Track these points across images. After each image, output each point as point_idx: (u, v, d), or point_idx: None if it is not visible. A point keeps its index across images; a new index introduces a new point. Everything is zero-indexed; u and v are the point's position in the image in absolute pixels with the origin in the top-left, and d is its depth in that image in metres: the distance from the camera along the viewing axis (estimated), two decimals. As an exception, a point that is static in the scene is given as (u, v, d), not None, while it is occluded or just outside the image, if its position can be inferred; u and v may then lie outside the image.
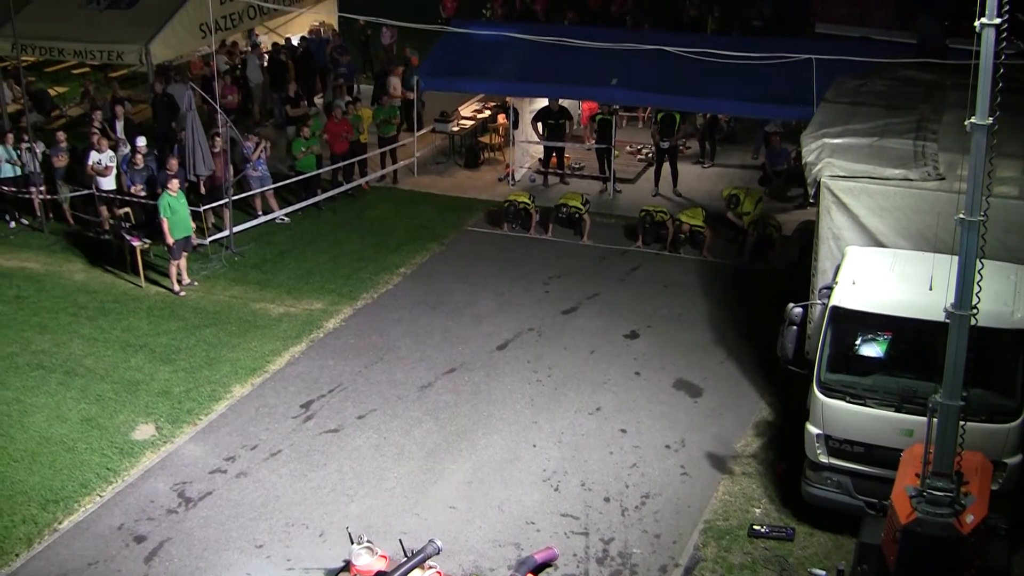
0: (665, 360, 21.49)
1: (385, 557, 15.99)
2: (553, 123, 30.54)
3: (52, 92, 37.34)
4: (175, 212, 24.50)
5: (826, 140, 18.88)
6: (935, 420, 13.32)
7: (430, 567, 15.64)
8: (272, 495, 17.95)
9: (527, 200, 27.67)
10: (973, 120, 12.29)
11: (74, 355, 22.26)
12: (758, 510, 17.33)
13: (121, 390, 20.98)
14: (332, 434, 19.54)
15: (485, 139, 33.89)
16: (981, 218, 12.49)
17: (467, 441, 19.15)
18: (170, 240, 24.57)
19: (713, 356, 21.64)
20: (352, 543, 16.15)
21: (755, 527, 16.82)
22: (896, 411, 15.76)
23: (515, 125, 31.51)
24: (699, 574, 16.07)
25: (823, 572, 15.72)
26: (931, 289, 15.33)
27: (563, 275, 25.36)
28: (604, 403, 20.12)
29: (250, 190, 28.26)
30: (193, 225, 25.45)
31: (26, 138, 28.04)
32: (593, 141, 31.31)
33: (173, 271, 24.92)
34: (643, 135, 33.34)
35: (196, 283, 25.34)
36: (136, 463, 18.90)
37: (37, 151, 28.04)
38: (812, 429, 16.54)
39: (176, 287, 24.93)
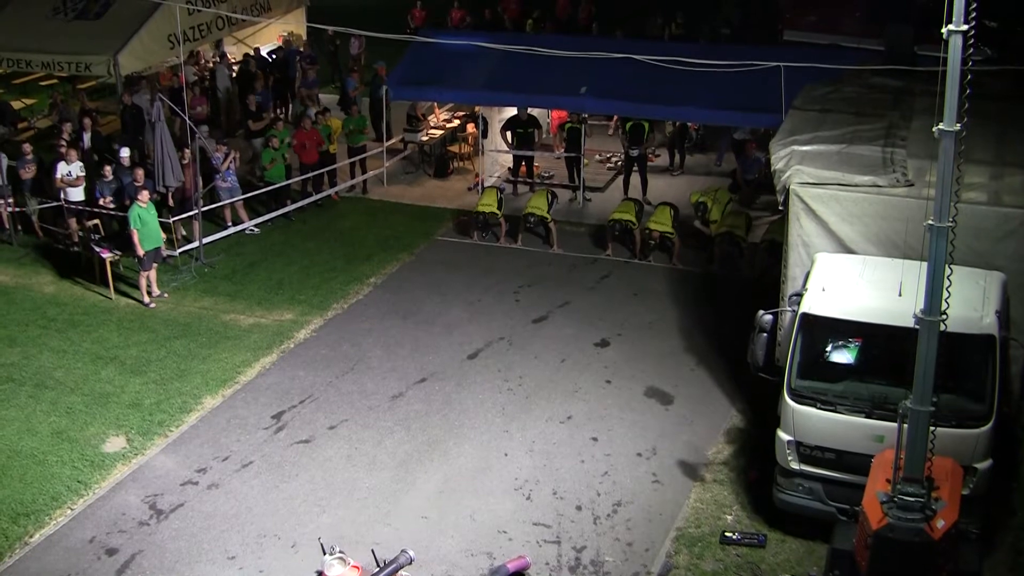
0: (636, 368, 21.53)
1: (357, 568, 15.94)
2: (522, 132, 30.59)
3: (20, 104, 37.18)
4: (145, 224, 24.42)
5: (795, 147, 19.00)
6: (905, 425, 13.39)
7: (402, 576, 15.69)
8: (244, 506, 17.91)
9: (496, 209, 27.66)
10: (941, 126, 12.38)
11: (44, 368, 22.15)
12: (730, 517, 17.38)
13: (91, 402, 20.88)
14: (303, 444, 19.50)
15: (454, 148, 33.91)
16: (950, 224, 12.57)
17: (439, 451, 19.14)
18: (140, 252, 24.49)
19: (684, 363, 21.70)
20: (324, 554, 16.10)
21: (727, 534, 16.87)
22: (867, 417, 15.82)
23: (484, 134, 31.53)
24: (672, 581, 16.15)
25: (795, 578, 15.83)
26: (900, 295, 15.40)
27: (533, 284, 25.40)
28: (575, 411, 20.15)
29: (220, 201, 28.18)
30: (163, 236, 25.38)
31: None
32: (562, 150, 31.33)
33: (143, 283, 24.83)
34: (613, 144, 33.41)
35: (166, 295, 25.25)
36: (107, 475, 18.81)
37: (2, 164, 27.89)
38: (783, 436, 16.60)
39: (146, 299, 24.85)
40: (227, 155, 28.20)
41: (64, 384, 21.54)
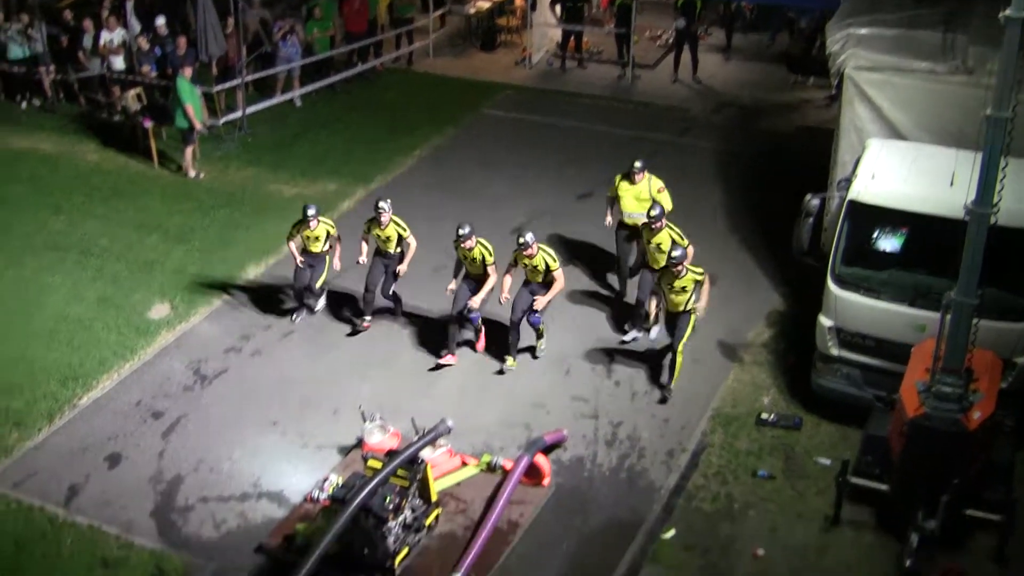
0: (679, 248, 21.46)
1: (397, 435, 16.20)
2: (572, 6, 30.23)
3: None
4: (192, 95, 24.40)
5: (852, 30, 18.65)
6: (948, 317, 13.38)
7: (441, 446, 15.87)
8: (286, 373, 18.17)
9: None
10: (1008, 13, 12.00)
11: (89, 235, 22.37)
12: (767, 399, 17.48)
13: (136, 270, 21.12)
14: (346, 315, 19.69)
15: (502, 21, 33.58)
16: (1009, 115, 12.34)
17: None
18: (198, 124, 24.51)
19: (728, 245, 21.64)
20: (365, 421, 16.36)
21: (763, 416, 16.99)
22: (909, 306, 15.75)
23: (533, 7, 31.21)
24: (706, 459, 16.25)
25: (828, 461, 15.91)
26: (952, 185, 15.16)
27: (579, 160, 25.31)
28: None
29: (269, 70, 28.07)
30: (205, 110, 25.39)
31: (31, 19, 27.86)
32: (612, 25, 30.99)
33: (188, 153, 24.87)
34: (664, 20, 32.95)
35: (202, 175, 25.29)
36: (152, 341, 19.10)
37: (43, 31, 27.83)
38: (824, 321, 16.61)
39: (190, 170, 24.92)
40: (287, 27, 28.01)
41: (109, 252, 21.77)
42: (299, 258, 18.77)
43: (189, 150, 24.81)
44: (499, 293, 17.91)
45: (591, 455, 16.30)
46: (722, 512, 15.27)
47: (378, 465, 14.35)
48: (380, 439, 16.09)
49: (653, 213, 17.90)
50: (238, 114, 27.01)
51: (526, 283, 18.03)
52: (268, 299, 20.19)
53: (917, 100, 17.49)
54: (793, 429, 16.71)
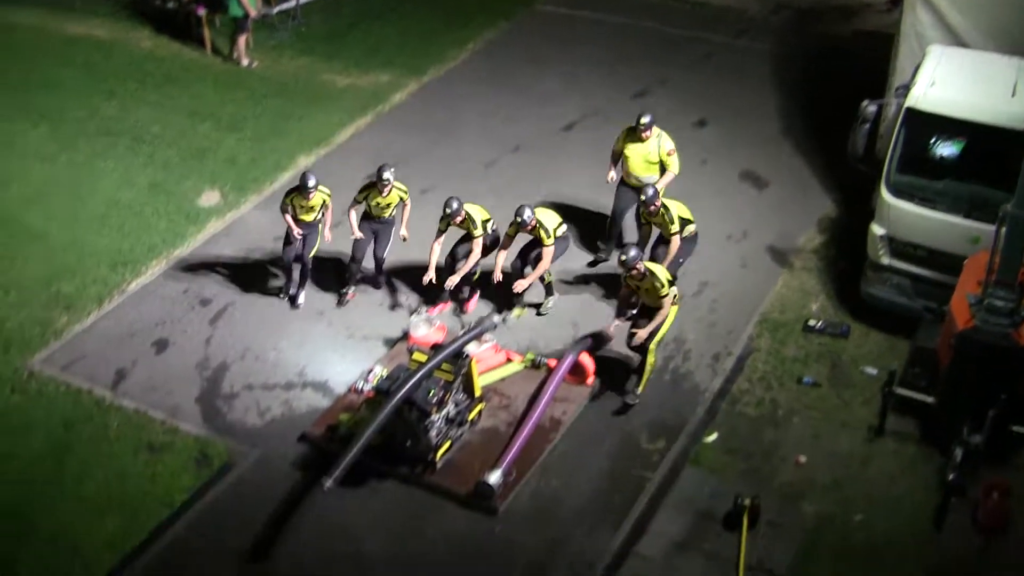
0: (733, 150, 21.26)
1: (443, 329, 16.27)
2: None
3: None
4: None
5: (914, -67, 18.23)
6: (1003, 230, 13.19)
7: (486, 341, 15.91)
8: (333, 262, 18.18)
9: None
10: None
11: (141, 122, 22.36)
12: (815, 306, 17.38)
13: (188, 157, 21.15)
14: (396, 208, 19.69)
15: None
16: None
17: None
18: (253, 12, 24.35)
19: (782, 149, 21.37)
20: (411, 315, 16.43)
21: (811, 322, 16.90)
22: (964, 217, 15.55)
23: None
24: (751, 364, 16.24)
25: (875, 371, 15.85)
26: (1013, 96, 14.89)
27: (633, 58, 25.00)
28: (668, 189, 19.86)
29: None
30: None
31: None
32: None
33: (241, 42, 24.73)
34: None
35: (255, 63, 25.14)
36: (202, 229, 19.19)
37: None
38: (876, 229, 16.43)
39: (243, 59, 24.81)
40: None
41: (161, 138, 21.78)
42: (296, 230, 17.06)
43: (242, 39, 24.68)
44: (494, 272, 16.86)
45: (636, 355, 16.26)
46: (766, 418, 15.27)
47: (423, 358, 14.40)
48: (425, 332, 16.17)
49: (647, 195, 16.47)
50: (292, 3, 26.82)
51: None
52: (318, 189, 20.18)
53: (980, 4, 17.07)
54: (840, 337, 16.63)
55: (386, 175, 16.76)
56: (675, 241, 16.40)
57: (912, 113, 15.96)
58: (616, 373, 15.81)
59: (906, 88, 16.44)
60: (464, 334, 14.84)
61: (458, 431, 14.63)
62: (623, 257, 15.05)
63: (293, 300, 17.37)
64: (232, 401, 15.74)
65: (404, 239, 17.31)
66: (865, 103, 16.84)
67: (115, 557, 13.57)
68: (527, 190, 19.83)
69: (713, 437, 14.95)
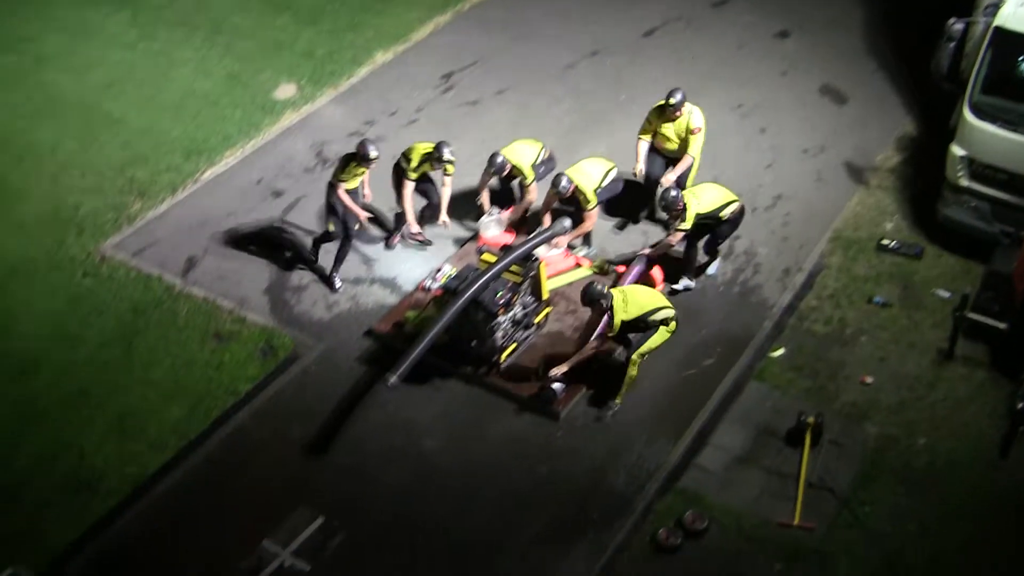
0: (814, 63, 20.86)
1: (513, 231, 16.24)
2: None
3: None
4: None
5: None
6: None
7: (556, 245, 15.87)
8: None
9: None
10: None
11: (219, 13, 22.26)
12: (889, 225, 17.13)
13: (265, 49, 21.10)
14: (470, 106, 19.59)
15: None
16: None
17: (605, 124, 19.04)
18: None
19: (864, 65, 20.92)
20: (482, 215, 16.41)
21: (884, 241, 16.68)
22: (1048, 141, 15.25)
23: None
24: (822, 281, 16.10)
25: (947, 294, 15.66)
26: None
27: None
28: (747, 100, 19.75)
29: None
30: None
31: None
32: None
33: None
34: None
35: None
36: (277, 121, 19.24)
37: None
38: (956, 150, 16.11)
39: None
40: None
41: (239, 30, 21.72)
42: (363, 215, 15.91)
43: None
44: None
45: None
46: (833, 336, 15.16)
47: (492, 259, 14.42)
48: (496, 234, 16.16)
49: (667, 199, 15.22)
50: None
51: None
52: (394, 85, 20.12)
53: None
54: (914, 258, 16.41)
55: (447, 155, 15.95)
56: (673, 237, 15.43)
57: (1000, 32, 15.59)
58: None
59: (995, 7, 16.04)
60: (535, 237, 14.79)
61: (524, 334, 14.65)
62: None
63: (331, 283, 16.05)
64: (300, 294, 15.87)
65: (446, 225, 16.67)
66: (952, 21, 16.45)
67: (180, 441, 13.84)
68: (604, 96, 19.70)
69: (779, 352, 14.87)
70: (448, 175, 16.17)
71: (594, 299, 13.82)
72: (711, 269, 15.99)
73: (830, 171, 18.19)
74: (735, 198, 15.40)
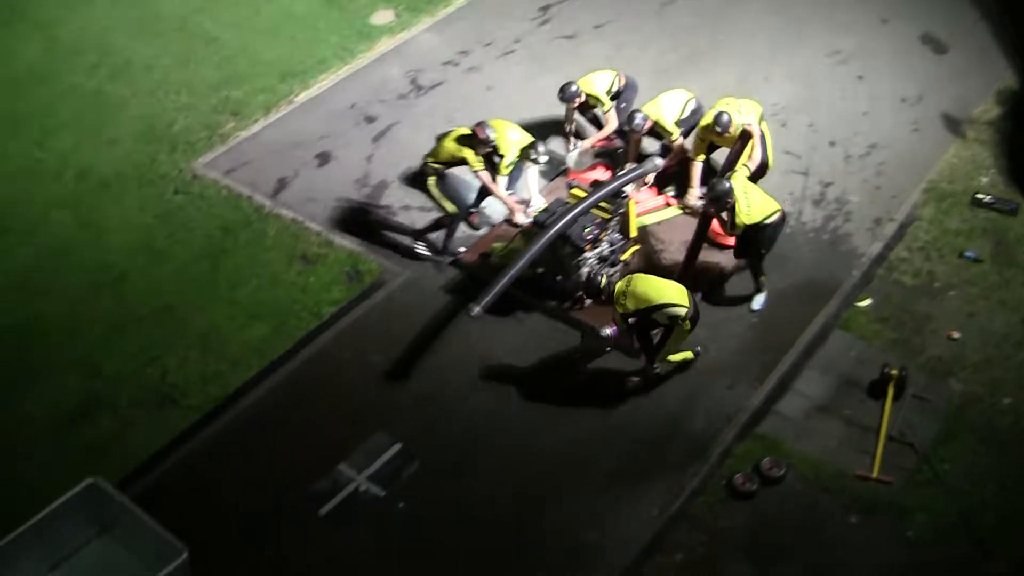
0: (915, 11, 20.40)
1: (603, 167, 16.18)
2: None
3: None
4: None
5: None
6: None
7: (645, 183, 15.79)
8: (501, 92, 18.20)
9: None
10: None
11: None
12: (985, 179, 16.82)
13: (364, -27, 21.07)
14: (567, 40, 19.46)
15: None
16: None
17: (701, 65, 18.83)
18: None
19: (966, 14, 20.40)
20: (571, 149, 16.36)
21: (979, 196, 16.38)
22: None
23: None
24: (913, 232, 15.88)
25: (1041, 252, 15.44)
26: None
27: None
28: (845, 47, 19.41)
29: None
30: None
31: None
32: None
33: None
34: None
35: None
36: (372, 46, 19.25)
37: None
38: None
39: None
40: None
41: (337, -47, 21.71)
42: (512, 202, 15.61)
43: None
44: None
45: (796, 212, 16.03)
46: (922, 288, 14.98)
47: (582, 194, 14.38)
48: (583, 165, 16.18)
49: (717, 190, 13.99)
50: None
51: None
52: (491, 15, 20.06)
53: None
54: (1008, 214, 16.12)
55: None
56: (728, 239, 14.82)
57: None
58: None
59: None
60: (625, 174, 14.72)
61: (610, 271, 14.60)
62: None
63: (448, 251, 15.54)
64: (388, 220, 15.92)
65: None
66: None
67: (262, 361, 14.01)
68: (703, 34, 19.48)
69: (867, 303, 14.73)
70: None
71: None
72: (755, 304, 14.67)
73: (927, 122, 17.89)
74: (778, 207, 14.31)
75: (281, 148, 17.10)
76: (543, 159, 15.32)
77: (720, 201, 13.84)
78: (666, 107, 15.91)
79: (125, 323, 14.52)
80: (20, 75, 18.59)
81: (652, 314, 13.01)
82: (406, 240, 15.52)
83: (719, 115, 15.20)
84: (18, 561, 11.19)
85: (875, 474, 12.63)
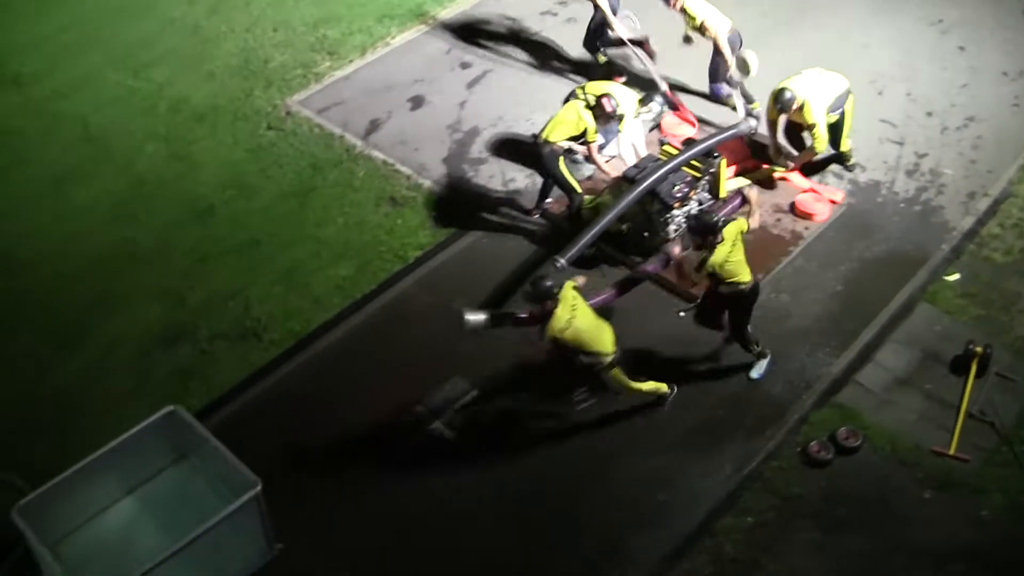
0: (1024, -18, 20.05)
1: (693, 124, 16.08)
2: None
3: None
4: None
5: None
6: None
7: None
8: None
9: None
10: None
11: None
12: (1086, 159, 16.52)
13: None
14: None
15: None
16: None
17: (794, 30, 18.61)
18: None
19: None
20: (650, 101, 16.24)
21: (1081, 172, 16.09)
22: None
23: None
24: (1007, 209, 15.59)
25: None
26: None
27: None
28: (948, 16, 19.06)
29: None
30: None
31: None
32: None
33: None
34: None
35: None
36: (468, -5, 19.28)
37: None
38: None
39: None
40: None
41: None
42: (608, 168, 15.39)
43: None
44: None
45: (889, 182, 15.85)
46: (1012, 266, 14.73)
47: (673, 151, 14.29)
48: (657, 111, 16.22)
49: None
50: None
51: None
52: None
53: None
54: (1113, 197, 15.82)
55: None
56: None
57: None
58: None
59: None
60: (720, 133, 14.62)
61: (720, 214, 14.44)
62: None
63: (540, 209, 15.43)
64: (478, 167, 15.98)
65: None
66: None
67: (344, 300, 14.16)
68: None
69: (955, 277, 14.53)
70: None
71: (703, 230, 12.45)
72: (755, 372, 13.39)
73: (1027, 96, 17.57)
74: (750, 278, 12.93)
75: (375, 90, 17.18)
76: (657, 108, 15.52)
77: (706, 236, 12.47)
78: (817, 95, 15.18)
79: (211, 255, 14.75)
80: (120, 5, 18.80)
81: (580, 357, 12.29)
82: (496, 184, 15.53)
83: (781, 92, 14.97)
84: (96, 482, 11.39)
85: (952, 451, 12.49)
